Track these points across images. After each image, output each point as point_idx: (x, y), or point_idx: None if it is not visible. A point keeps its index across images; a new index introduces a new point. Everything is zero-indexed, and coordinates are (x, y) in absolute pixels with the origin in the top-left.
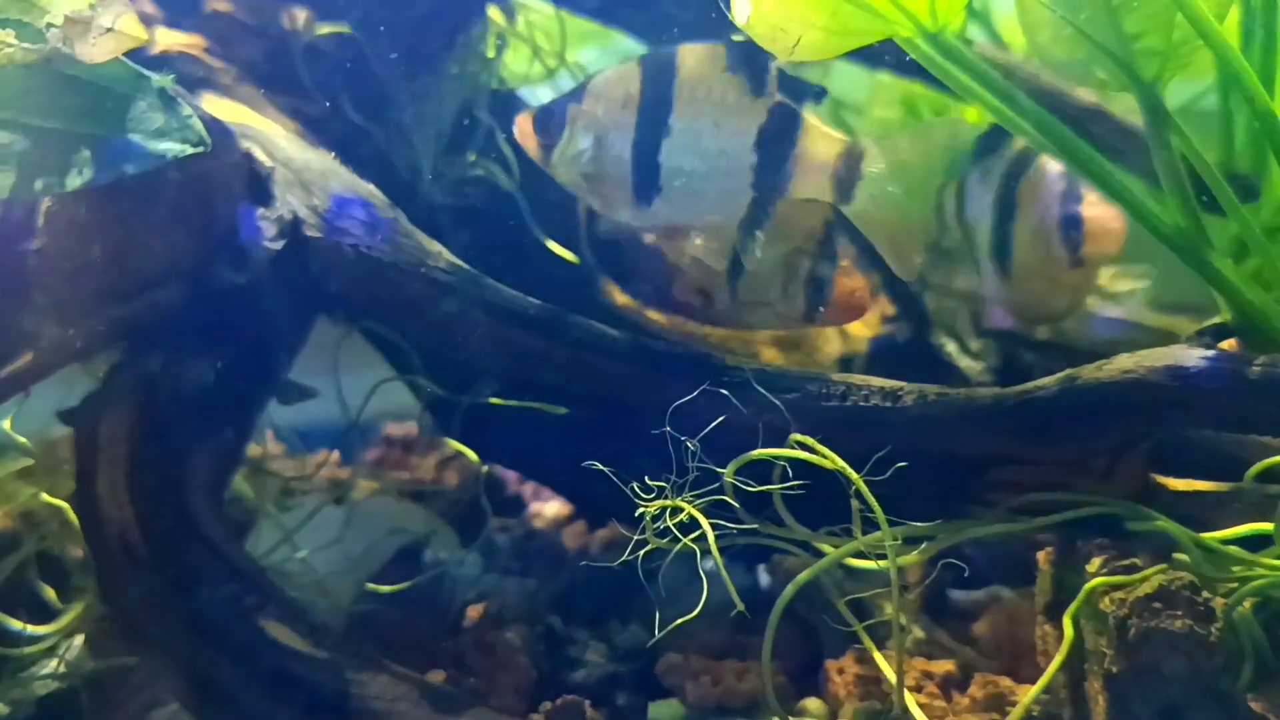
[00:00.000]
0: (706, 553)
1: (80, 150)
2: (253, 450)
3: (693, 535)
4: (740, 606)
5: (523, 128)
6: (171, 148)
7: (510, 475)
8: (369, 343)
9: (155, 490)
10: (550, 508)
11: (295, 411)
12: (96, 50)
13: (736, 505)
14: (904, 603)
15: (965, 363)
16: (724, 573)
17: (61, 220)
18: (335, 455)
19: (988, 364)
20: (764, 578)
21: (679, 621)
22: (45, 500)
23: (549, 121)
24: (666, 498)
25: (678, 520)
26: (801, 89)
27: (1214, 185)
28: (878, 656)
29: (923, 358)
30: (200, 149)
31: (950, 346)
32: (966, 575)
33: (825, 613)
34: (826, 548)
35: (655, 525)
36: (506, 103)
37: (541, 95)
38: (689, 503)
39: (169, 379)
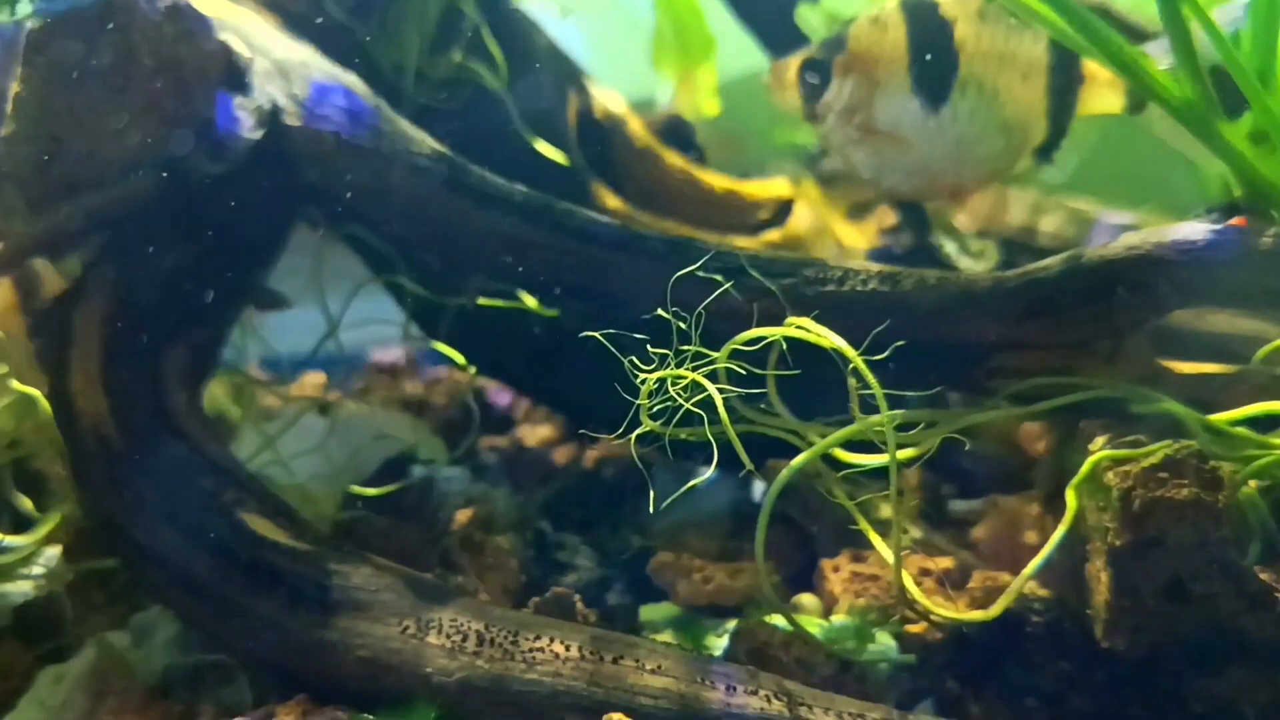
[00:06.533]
0: (700, 451)
1: None
2: (235, 376)
3: (697, 400)
4: (749, 466)
5: (781, 76)
6: None
7: (501, 400)
8: (351, 249)
9: (130, 383)
10: (540, 430)
11: (281, 343)
12: None
13: (740, 386)
14: (902, 504)
15: (965, 263)
16: (737, 444)
17: (30, 106)
18: (321, 376)
19: (988, 265)
20: (757, 489)
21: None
22: (16, 388)
23: (814, 73)
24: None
25: (683, 404)
26: None
27: (1230, 64)
28: (875, 538)
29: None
30: None
31: (949, 247)
32: (965, 488)
33: (820, 518)
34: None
35: (651, 405)
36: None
37: None
38: (690, 371)
39: (144, 271)
